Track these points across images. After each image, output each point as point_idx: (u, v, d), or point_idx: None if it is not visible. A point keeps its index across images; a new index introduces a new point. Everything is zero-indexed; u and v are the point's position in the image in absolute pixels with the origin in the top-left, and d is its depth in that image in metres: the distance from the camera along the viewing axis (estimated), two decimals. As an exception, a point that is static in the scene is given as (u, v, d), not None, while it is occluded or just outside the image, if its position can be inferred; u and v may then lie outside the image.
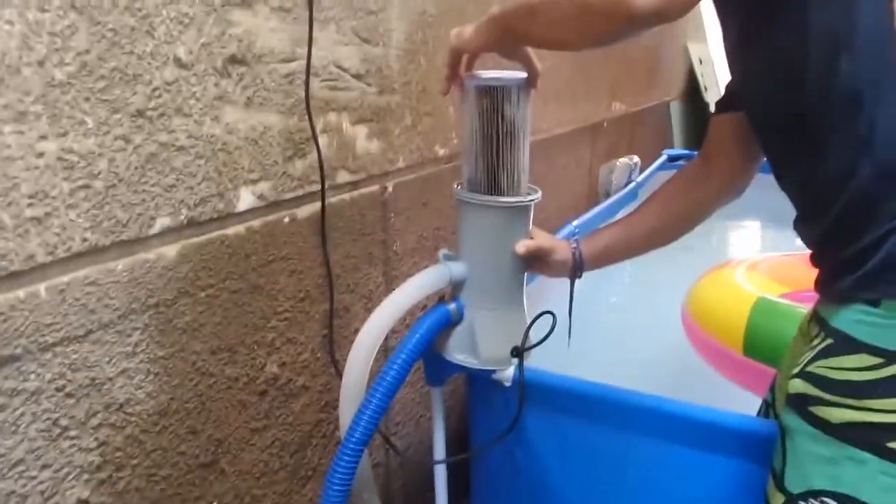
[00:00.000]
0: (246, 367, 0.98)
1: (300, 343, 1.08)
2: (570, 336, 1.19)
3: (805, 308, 1.56)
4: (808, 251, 0.91)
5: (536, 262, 1.10)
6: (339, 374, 1.06)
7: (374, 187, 1.22)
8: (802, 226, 0.87)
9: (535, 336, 1.07)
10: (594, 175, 2.65)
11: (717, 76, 4.20)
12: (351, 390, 0.94)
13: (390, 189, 1.27)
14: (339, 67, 1.09)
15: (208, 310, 0.90)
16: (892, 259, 0.70)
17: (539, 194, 1.11)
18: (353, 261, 1.19)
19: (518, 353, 1.06)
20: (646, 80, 3.30)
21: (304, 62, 0.99)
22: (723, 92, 1.04)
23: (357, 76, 1.13)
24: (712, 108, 1.09)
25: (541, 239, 1.11)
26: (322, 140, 1.05)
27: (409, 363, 0.98)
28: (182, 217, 0.84)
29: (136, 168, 0.77)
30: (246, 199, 0.93)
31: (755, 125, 0.89)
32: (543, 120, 2.08)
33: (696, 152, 1.10)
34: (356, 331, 0.93)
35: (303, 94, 1.00)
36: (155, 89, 0.78)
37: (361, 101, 1.15)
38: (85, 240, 0.73)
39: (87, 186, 0.72)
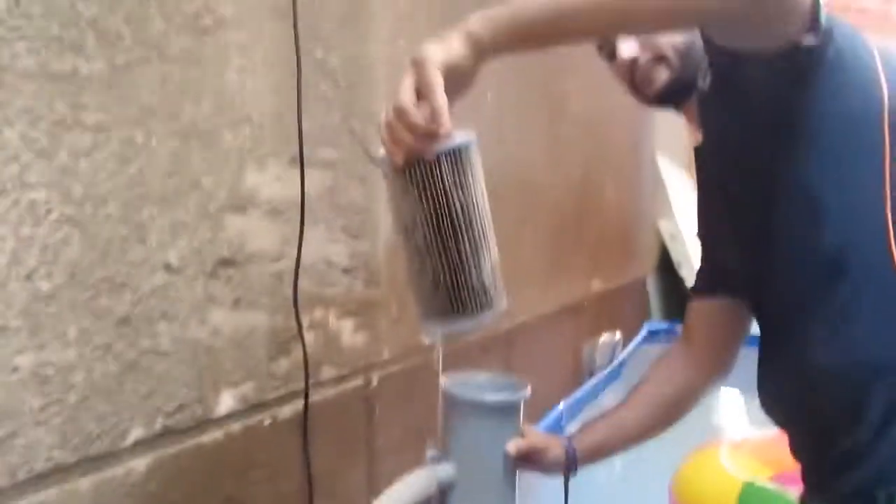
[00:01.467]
0: (213, 592, 0.88)
1: (274, 559, 0.99)
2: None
3: (793, 494, 1.50)
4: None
5: (529, 461, 1.05)
6: None
7: (359, 381, 1.19)
8: (782, 413, 0.85)
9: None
10: (578, 354, 2.64)
11: (688, 251, 4.37)
12: None
13: (375, 382, 1.23)
14: (328, 263, 1.10)
15: (176, 528, 0.82)
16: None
17: (528, 389, 1.08)
18: (334, 461, 1.12)
19: (512, 565, 0.98)
20: (622, 257, 3.41)
21: (290, 261, 1.00)
22: (696, 274, 1.05)
23: (345, 271, 1.14)
24: (687, 283, 1.10)
25: (533, 437, 1.06)
26: (308, 336, 1.03)
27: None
28: (157, 426, 0.79)
29: (113, 377, 0.74)
30: (226, 402, 0.89)
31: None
32: (526, 302, 2.10)
33: (675, 325, 1.10)
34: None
35: (290, 292, 1.00)
36: (142, 296, 0.77)
37: (348, 295, 1.15)
38: (50, 459, 0.68)
39: (59, 401, 0.68)
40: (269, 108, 0.96)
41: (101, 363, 0.73)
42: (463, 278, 0.68)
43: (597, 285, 2.90)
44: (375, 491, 1.22)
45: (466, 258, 0.67)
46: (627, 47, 0.86)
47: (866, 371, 0.73)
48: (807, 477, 0.85)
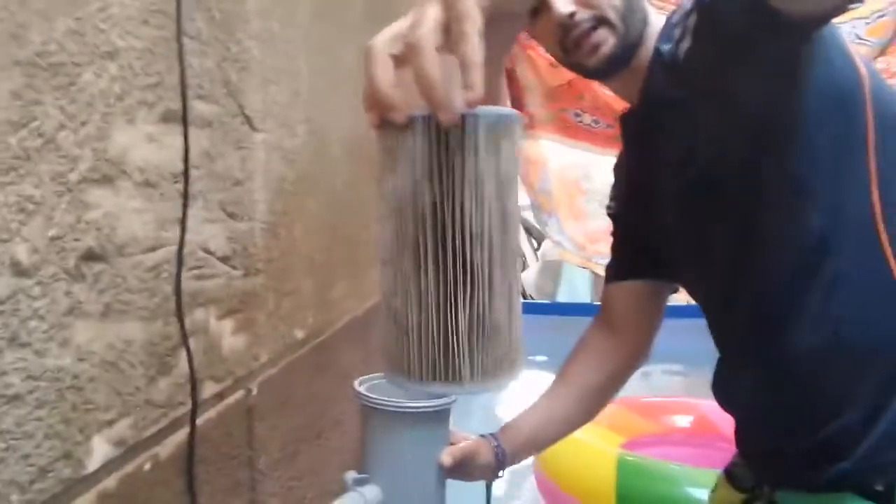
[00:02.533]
0: None
1: None
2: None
3: (670, 464, 1.57)
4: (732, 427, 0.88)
5: (457, 469, 0.93)
6: None
7: (240, 393, 0.96)
8: (753, 404, 0.82)
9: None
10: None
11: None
12: None
13: (255, 391, 1.01)
14: (206, 251, 0.86)
15: None
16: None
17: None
18: (218, 498, 0.89)
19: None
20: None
21: (171, 249, 0.75)
22: (612, 259, 1.00)
23: (223, 259, 0.90)
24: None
25: (462, 442, 0.95)
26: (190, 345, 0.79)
27: None
28: (10, 507, 0.53)
29: (-57, 446, 0.47)
30: (100, 450, 0.64)
31: (710, 298, 0.85)
32: (376, 283, 1.95)
33: None
34: None
35: (167, 289, 0.75)
36: (-20, 314, 0.50)
37: (228, 289, 0.92)
38: None
39: None
40: (141, 39, 0.70)
41: (-79, 426, 0.45)
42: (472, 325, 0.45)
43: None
44: (260, 522, 1.01)
45: (477, 291, 0.44)
46: (564, 2, 0.75)
47: (855, 352, 0.71)
48: (769, 467, 0.83)
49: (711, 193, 0.76)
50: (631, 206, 0.94)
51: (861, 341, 0.70)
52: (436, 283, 0.45)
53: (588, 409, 1.02)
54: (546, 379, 1.02)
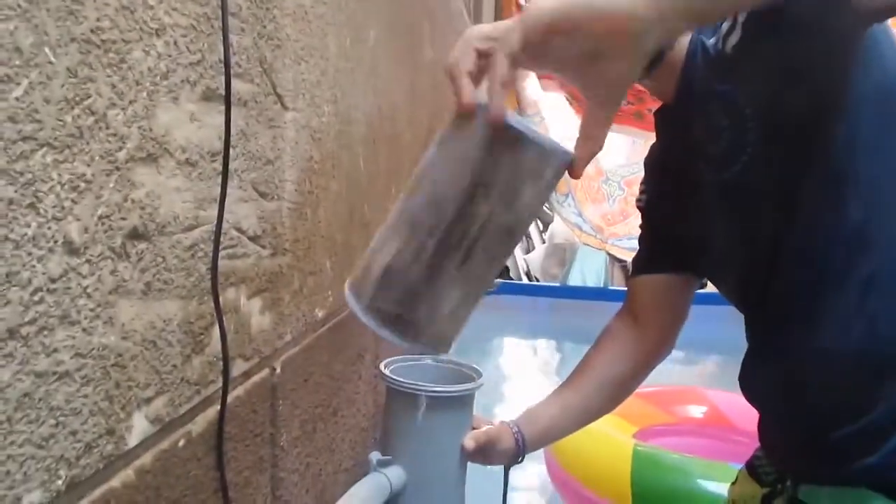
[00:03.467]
0: None
1: None
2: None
3: (685, 456, 1.58)
4: (756, 419, 0.88)
5: (478, 453, 0.94)
6: None
7: (265, 371, 0.97)
8: (780, 399, 0.83)
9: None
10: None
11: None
12: None
13: (279, 370, 1.02)
14: (239, 230, 0.86)
15: None
16: None
17: (483, 377, 0.97)
18: (244, 475, 0.90)
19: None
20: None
21: (206, 228, 0.75)
22: (641, 250, 1.00)
23: (254, 238, 0.90)
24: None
25: (484, 427, 0.95)
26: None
27: None
28: (59, 483, 0.53)
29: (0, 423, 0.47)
30: (139, 427, 0.64)
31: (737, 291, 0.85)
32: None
33: None
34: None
35: (203, 268, 0.75)
36: (35, 292, 0.50)
37: (257, 268, 0.92)
38: None
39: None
40: (186, 16, 0.69)
41: (-21, 402, 0.46)
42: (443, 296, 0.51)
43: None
44: (280, 498, 1.03)
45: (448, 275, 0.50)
46: None
47: (889, 351, 0.71)
48: (792, 462, 0.83)
49: (755, 187, 0.75)
50: (664, 198, 0.93)
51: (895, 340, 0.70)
52: (437, 249, 0.50)
53: (609, 400, 1.02)
54: (554, 360, 1.02)
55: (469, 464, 0.94)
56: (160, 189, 0.66)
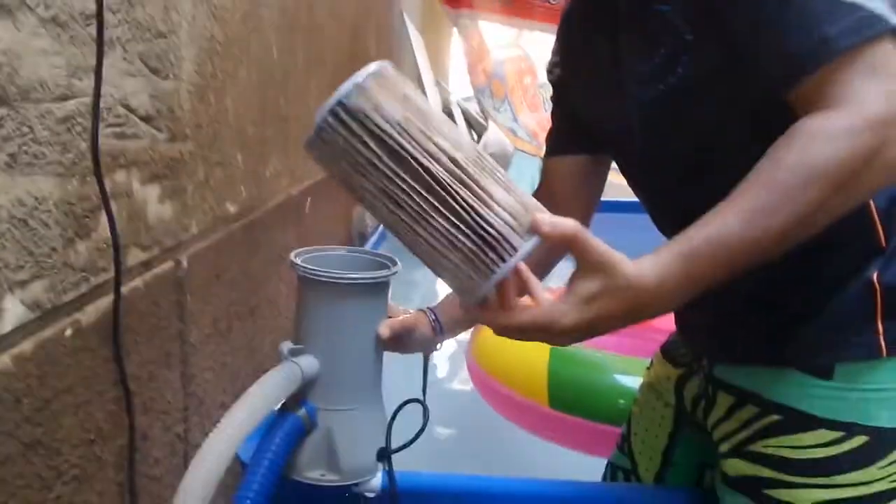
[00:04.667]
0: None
1: (90, 504, 0.74)
2: (425, 420, 1.03)
3: (602, 353, 1.62)
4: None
5: (395, 341, 0.93)
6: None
7: (168, 264, 0.92)
8: None
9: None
10: (349, 217, 2.50)
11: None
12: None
13: (185, 264, 0.97)
14: (127, 107, 0.78)
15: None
16: (846, 317, 0.68)
17: (398, 264, 0.94)
18: (148, 369, 0.87)
19: (386, 455, 0.89)
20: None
21: (83, 101, 0.68)
22: (554, 132, 0.96)
23: (146, 118, 0.83)
24: None
25: (400, 315, 0.94)
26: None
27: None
28: (-88, 364, 0.49)
29: None
30: (14, 312, 0.59)
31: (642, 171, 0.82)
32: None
33: None
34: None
35: (83, 145, 0.69)
36: None
37: (152, 153, 0.85)
38: None
39: None
40: None
41: None
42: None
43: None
44: (193, 395, 1.00)
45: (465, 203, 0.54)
46: None
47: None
48: (708, 342, 0.83)
49: (674, 112, 0.71)
50: (577, 78, 0.88)
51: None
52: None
53: None
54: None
55: (389, 354, 0.92)
56: (20, 48, 0.59)
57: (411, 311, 0.95)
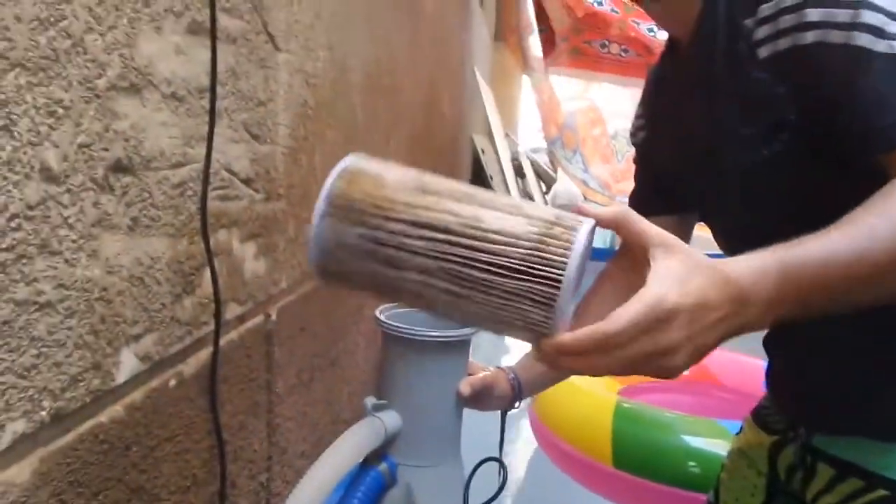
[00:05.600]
0: None
1: (182, 550, 0.76)
2: (503, 479, 1.03)
3: (668, 412, 1.57)
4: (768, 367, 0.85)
5: (474, 399, 0.94)
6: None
7: (259, 317, 0.96)
8: (799, 346, 0.79)
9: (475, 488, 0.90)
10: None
11: (497, 165, 4.44)
12: None
13: (274, 316, 1.01)
14: (230, 171, 0.84)
15: (72, 546, 0.57)
16: None
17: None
18: (238, 418, 0.90)
19: (467, 513, 0.89)
20: (450, 170, 3.35)
21: (194, 167, 0.74)
22: (636, 194, 0.96)
23: (246, 181, 0.89)
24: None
25: (481, 373, 0.95)
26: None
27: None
28: (43, 414, 0.53)
29: (-22, 349, 0.46)
30: (127, 364, 0.64)
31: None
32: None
33: None
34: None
35: (192, 208, 0.74)
36: (12, 218, 0.49)
37: (250, 212, 0.90)
38: None
39: None
40: (168, -58, 0.66)
41: (-44, 327, 0.45)
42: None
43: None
44: (276, 444, 1.03)
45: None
46: None
47: None
48: (807, 410, 0.80)
49: (775, 182, 0.70)
50: (662, 141, 0.89)
51: None
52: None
53: None
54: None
55: (467, 411, 0.93)
56: (145, 122, 0.65)
57: (491, 368, 0.96)
